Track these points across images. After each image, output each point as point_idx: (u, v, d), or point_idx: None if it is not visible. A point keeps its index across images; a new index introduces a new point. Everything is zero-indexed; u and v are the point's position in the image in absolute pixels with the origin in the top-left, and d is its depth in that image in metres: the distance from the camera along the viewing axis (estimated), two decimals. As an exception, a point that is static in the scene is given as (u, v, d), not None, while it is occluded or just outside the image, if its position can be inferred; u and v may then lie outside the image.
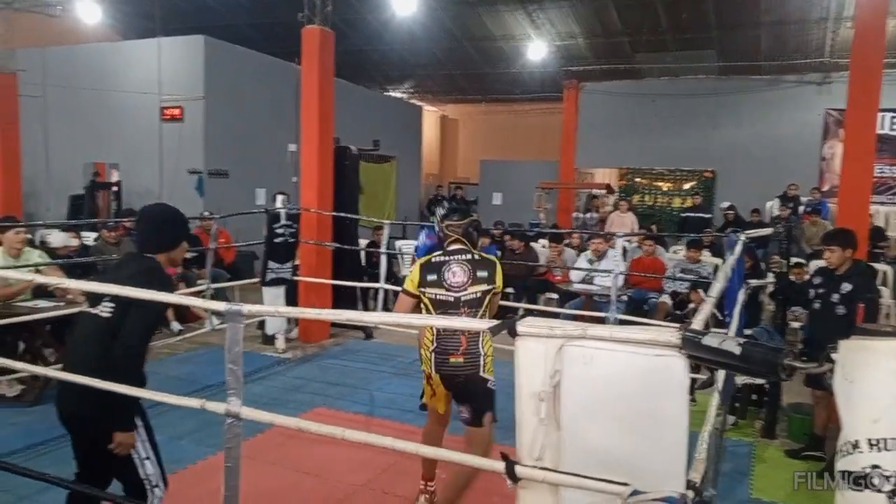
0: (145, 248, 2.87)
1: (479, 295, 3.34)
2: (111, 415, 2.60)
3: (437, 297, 3.34)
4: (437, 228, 3.89)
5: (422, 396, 3.60)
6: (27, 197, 12.09)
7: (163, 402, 2.50)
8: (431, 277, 3.36)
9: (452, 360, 3.30)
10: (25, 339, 5.42)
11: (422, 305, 3.38)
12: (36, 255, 5.75)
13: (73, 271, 6.47)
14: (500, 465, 1.74)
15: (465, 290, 3.33)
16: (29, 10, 12.58)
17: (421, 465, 3.72)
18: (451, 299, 3.32)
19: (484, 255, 3.51)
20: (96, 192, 11.77)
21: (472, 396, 3.35)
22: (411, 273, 3.43)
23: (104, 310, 2.66)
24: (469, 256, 3.42)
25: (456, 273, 3.35)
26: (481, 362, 3.32)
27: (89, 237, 8.56)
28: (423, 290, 3.35)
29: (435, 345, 3.33)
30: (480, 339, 3.33)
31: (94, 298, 2.72)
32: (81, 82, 12.03)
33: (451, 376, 3.33)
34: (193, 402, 2.38)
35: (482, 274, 3.37)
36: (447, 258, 3.40)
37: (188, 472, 4.10)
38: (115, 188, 11.91)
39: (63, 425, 2.78)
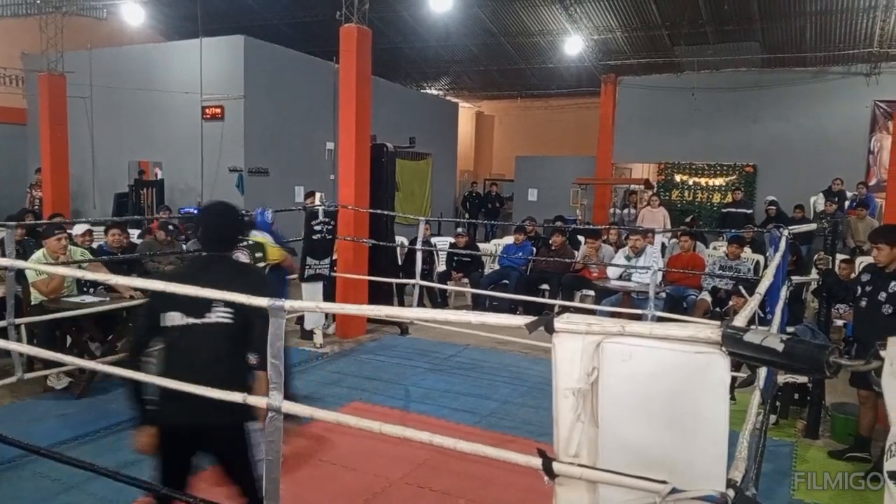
0: (221, 246, 2.73)
1: None
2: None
3: None
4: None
5: None
6: (74, 195, 12.47)
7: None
8: None
9: None
10: (72, 334, 5.58)
11: None
12: (78, 254, 5.90)
13: (118, 268, 6.64)
14: (536, 462, 1.73)
15: None
16: (76, 14, 12.97)
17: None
18: None
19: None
20: (140, 190, 12.07)
21: None
22: None
23: (223, 316, 2.52)
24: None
25: None
26: None
27: (135, 234, 8.78)
28: None
29: None
30: None
31: (195, 308, 2.52)
32: (126, 83, 12.33)
33: None
34: (236, 397, 2.42)
35: None
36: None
37: (229, 463, 4.18)
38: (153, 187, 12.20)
39: (179, 441, 2.57)
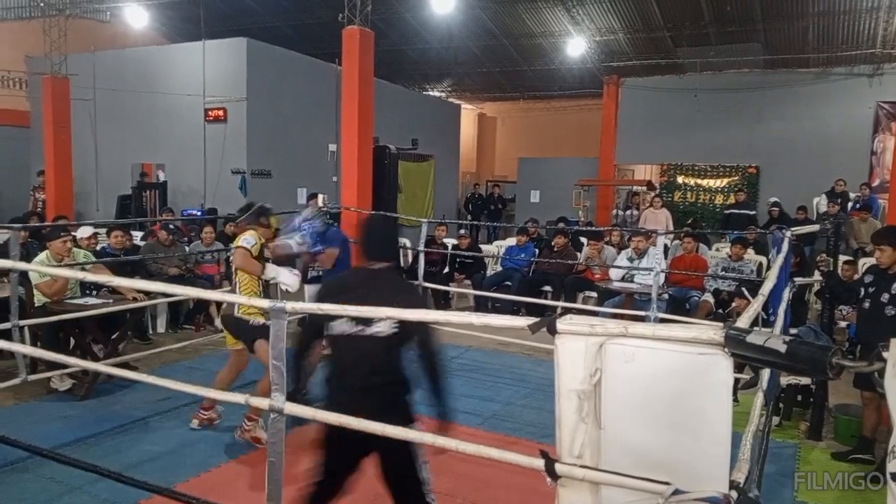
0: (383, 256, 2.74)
1: None
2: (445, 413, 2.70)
3: None
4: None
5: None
6: (78, 197, 12.51)
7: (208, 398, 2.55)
8: None
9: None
10: (75, 335, 5.59)
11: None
12: (81, 256, 5.91)
13: (121, 269, 6.64)
14: (539, 463, 1.73)
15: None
16: (80, 17, 12.99)
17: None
18: None
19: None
20: (143, 192, 12.09)
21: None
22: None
23: (392, 327, 2.53)
24: None
25: None
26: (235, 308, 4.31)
27: (138, 236, 8.78)
28: None
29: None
30: (236, 289, 4.42)
31: (361, 318, 2.51)
32: (129, 85, 12.35)
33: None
34: (238, 398, 2.43)
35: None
36: None
37: (231, 465, 4.18)
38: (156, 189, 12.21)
39: (350, 443, 2.55)
